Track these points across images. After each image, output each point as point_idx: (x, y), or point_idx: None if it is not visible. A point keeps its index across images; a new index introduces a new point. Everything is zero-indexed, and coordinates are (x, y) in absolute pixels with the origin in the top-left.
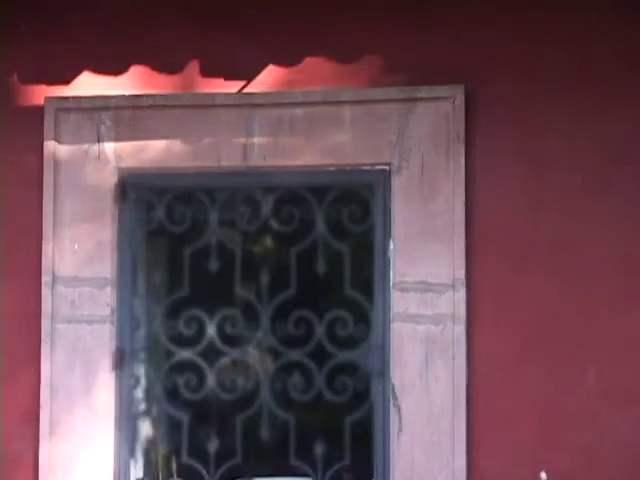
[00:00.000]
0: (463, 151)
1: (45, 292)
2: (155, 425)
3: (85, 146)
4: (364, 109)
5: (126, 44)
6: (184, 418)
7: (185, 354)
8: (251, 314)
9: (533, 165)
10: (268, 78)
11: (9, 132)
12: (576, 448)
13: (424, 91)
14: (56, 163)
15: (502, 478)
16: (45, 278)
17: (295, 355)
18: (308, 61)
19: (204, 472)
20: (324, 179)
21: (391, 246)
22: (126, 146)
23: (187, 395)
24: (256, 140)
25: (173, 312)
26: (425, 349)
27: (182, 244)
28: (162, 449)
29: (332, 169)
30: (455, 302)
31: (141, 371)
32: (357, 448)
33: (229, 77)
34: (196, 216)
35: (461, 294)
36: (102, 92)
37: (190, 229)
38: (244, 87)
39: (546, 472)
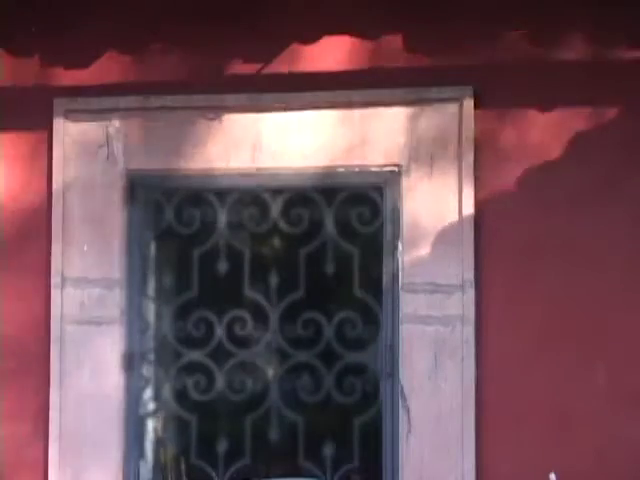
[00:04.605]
0: (472, 152)
1: (54, 293)
2: (164, 426)
3: (94, 147)
4: (373, 110)
5: (134, 46)
6: (193, 419)
7: (194, 355)
8: (260, 315)
9: (542, 166)
10: (277, 79)
11: (18, 133)
12: (585, 448)
13: (433, 92)
14: (65, 164)
15: (511, 479)
16: (54, 279)
17: (304, 356)
18: (316, 62)
19: (213, 473)
20: (333, 180)
21: (400, 247)
22: (135, 147)
23: (196, 396)
24: (265, 141)
25: (182, 313)
26: (434, 350)
27: (191, 245)
28: (171, 450)
29: (341, 170)
30: (464, 303)
31: (150, 372)
32: (366, 449)
33: (238, 77)
34: (205, 217)
35: (470, 295)
36: (111, 93)
37: (199, 230)
38: (252, 88)
39: (555, 473)
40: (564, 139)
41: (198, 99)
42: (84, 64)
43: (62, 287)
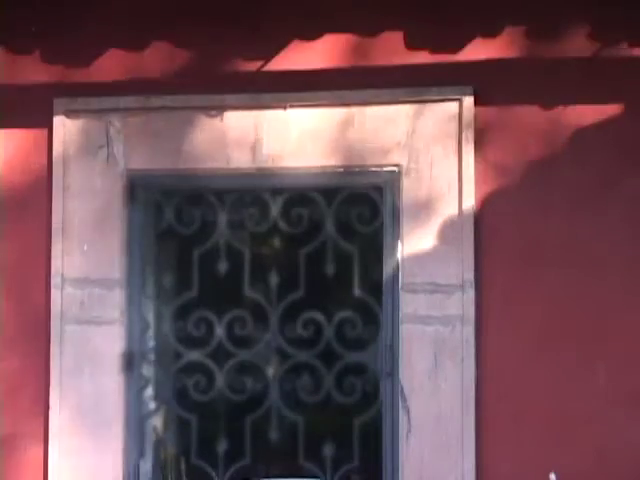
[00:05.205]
0: (472, 152)
1: (54, 293)
2: (164, 426)
3: (94, 147)
4: (373, 110)
5: (134, 46)
6: (193, 419)
7: (194, 355)
8: (260, 315)
9: (542, 165)
10: (276, 79)
11: (18, 133)
12: (585, 448)
13: (433, 92)
14: (65, 164)
15: (511, 479)
16: (54, 279)
17: (304, 356)
18: (316, 61)
19: (213, 473)
20: (333, 180)
21: (400, 247)
22: (135, 148)
23: (196, 396)
24: (265, 141)
25: (182, 313)
26: (434, 350)
27: (191, 245)
28: (171, 450)
29: (341, 170)
30: (464, 303)
31: (150, 372)
32: (366, 449)
33: (238, 77)
34: (205, 217)
35: (470, 295)
36: (111, 93)
37: (199, 230)
38: (253, 87)
39: (555, 473)
40: (564, 138)
41: (198, 99)
42: (84, 64)
43: (62, 287)
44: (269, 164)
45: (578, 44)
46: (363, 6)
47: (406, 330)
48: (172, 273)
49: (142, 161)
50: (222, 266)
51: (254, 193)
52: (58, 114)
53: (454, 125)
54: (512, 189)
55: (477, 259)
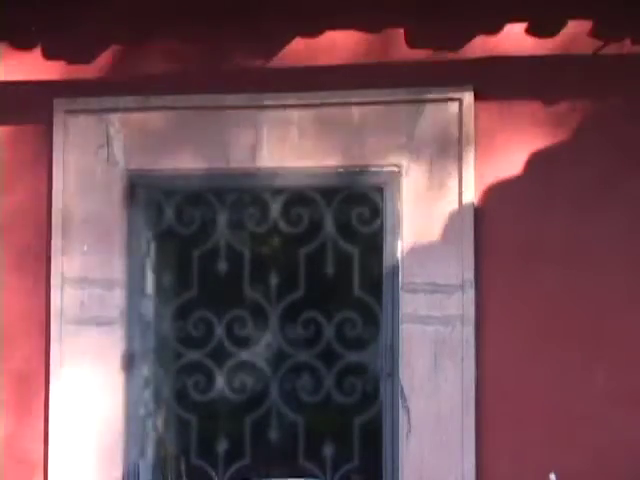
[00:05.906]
0: (472, 151)
1: (54, 293)
2: (164, 426)
3: (94, 148)
4: (373, 110)
5: (134, 46)
6: (193, 419)
7: (194, 355)
8: (260, 315)
9: (543, 165)
10: (277, 78)
11: (18, 133)
12: (585, 449)
13: (433, 92)
14: (65, 165)
15: (511, 479)
16: (54, 279)
17: (304, 356)
18: (316, 61)
19: (213, 473)
20: (333, 180)
21: (400, 247)
22: (135, 148)
23: (196, 396)
24: (265, 141)
25: (182, 313)
26: (434, 350)
27: (191, 245)
28: (171, 450)
29: (341, 170)
30: (464, 303)
31: (150, 372)
32: (366, 449)
33: (238, 77)
34: (205, 217)
35: (470, 295)
36: (111, 93)
37: (199, 230)
38: (252, 86)
39: (555, 473)
40: (565, 138)
41: (198, 99)
42: (84, 63)
43: (62, 287)
44: (269, 164)
45: (579, 42)
46: (363, 5)
47: (406, 330)
48: (172, 273)
49: (142, 161)
50: (222, 266)
51: (254, 193)
52: (58, 113)
53: (454, 125)
54: (512, 189)
55: (477, 259)
